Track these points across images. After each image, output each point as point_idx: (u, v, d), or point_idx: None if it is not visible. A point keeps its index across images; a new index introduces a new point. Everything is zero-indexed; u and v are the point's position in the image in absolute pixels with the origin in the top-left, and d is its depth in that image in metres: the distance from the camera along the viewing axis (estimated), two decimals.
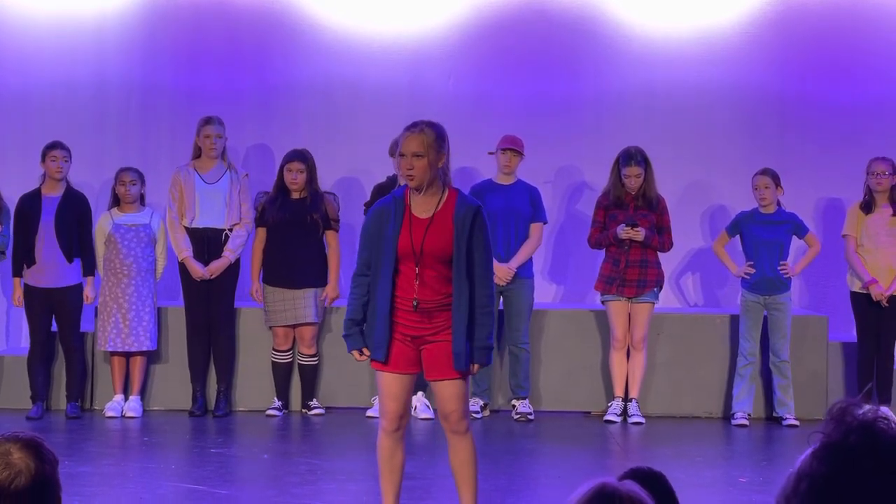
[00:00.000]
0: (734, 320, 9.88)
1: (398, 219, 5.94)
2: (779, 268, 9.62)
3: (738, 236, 9.84)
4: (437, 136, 5.94)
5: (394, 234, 5.92)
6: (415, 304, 5.90)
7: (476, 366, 6.00)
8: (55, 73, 10.61)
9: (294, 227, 9.67)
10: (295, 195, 9.72)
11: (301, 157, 9.72)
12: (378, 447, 6.16)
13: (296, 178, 9.68)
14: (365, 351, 6.02)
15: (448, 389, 6.00)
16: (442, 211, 5.95)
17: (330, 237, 9.79)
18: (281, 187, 9.74)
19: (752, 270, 9.63)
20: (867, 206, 9.64)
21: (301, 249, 9.69)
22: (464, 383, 6.02)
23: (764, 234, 9.67)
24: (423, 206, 5.96)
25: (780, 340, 9.63)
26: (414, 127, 5.97)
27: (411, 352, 5.99)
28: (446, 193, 5.97)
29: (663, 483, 3.21)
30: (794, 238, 9.78)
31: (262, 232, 9.77)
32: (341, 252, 9.87)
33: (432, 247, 5.89)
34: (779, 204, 9.72)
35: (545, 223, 9.94)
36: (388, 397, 6.03)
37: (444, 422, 6.12)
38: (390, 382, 6.01)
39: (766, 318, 9.70)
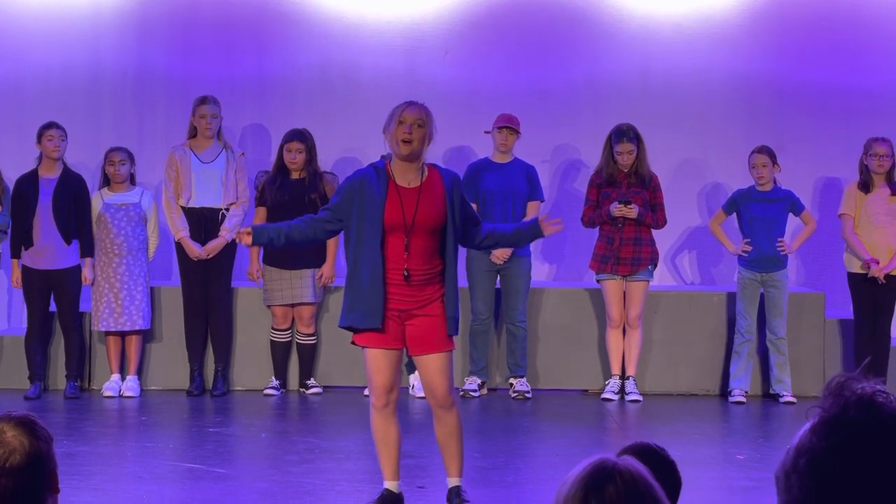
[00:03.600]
0: (731, 298, 9.88)
1: (383, 188, 6.06)
2: (776, 245, 9.62)
3: (734, 214, 9.83)
4: (432, 117, 6.21)
5: (380, 204, 6.03)
6: (405, 274, 6.02)
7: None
8: (51, 56, 10.58)
9: (293, 207, 9.65)
10: (294, 175, 9.71)
11: (300, 136, 9.70)
12: (371, 425, 6.25)
13: (295, 158, 9.66)
14: (250, 234, 6.10)
15: (434, 363, 6.11)
16: (429, 181, 6.12)
17: None
18: (280, 167, 9.73)
19: (749, 248, 9.62)
20: (865, 186, 9.62)
21: None
22: (449, 357, 6.14)
23: (761, 211, 9.66)
24: (406, 178, 6.12)
25: (776, 318, 9.63)
26: (416, 103, 6.23)
27: (398, 327, 6.08)
28: (426, 167, 6.21)
29: (663, 457, 3.20)
30: (790, 216, 9.77)
31: (261, 211, 9.75)
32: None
33: (424, 216, 6.03)
34: (775, 181, 9.71)
35: (542, 201, 9.92)
36: (375, 372, 6.13)
37: (430, 397, 6.24)
38: (376, 357, 6.10)
39: (762, 295, 9.70)
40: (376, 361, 6.10)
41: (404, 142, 6.08)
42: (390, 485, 6.31)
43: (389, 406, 6.18)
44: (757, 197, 9.69)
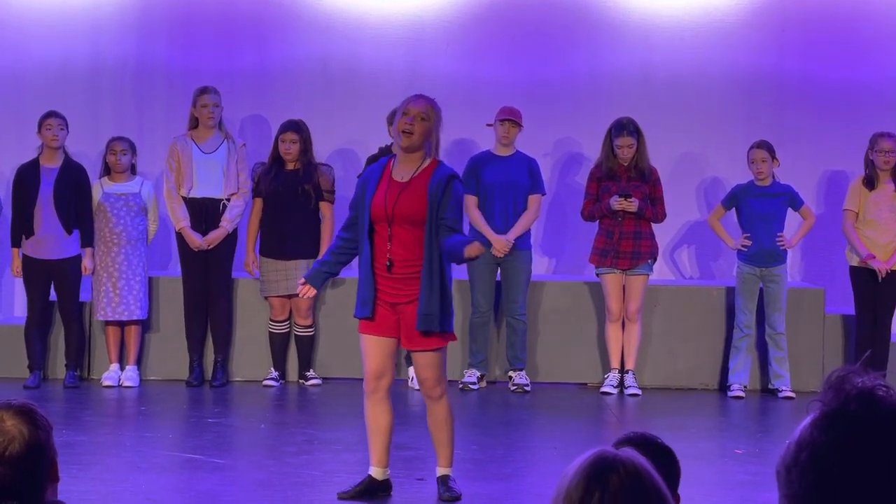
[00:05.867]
0: (730, 292, 9.88)
1: (378, 180, 6.23)
2: (776, 240, 9.62)
3: (733, 209, 9.82)
4: (439, 113, 6.28)
5: (371, 196, 6.21)
6: (388, 263, 6.14)
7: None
8: (51, 47, 10.56)
9: (287, 198, 9.65)
10: (289, 166, 9.70)
11: (295, 127, 9.69)
12: (364, 412, 6.40)
13: (289, 149, 9.65)
14: (307, 286, 6.39)
15: (421, 358, 6.28)
16: (419, 176, 6.21)
17: (323, 208, 9.76)
18: (276, 158, 9.73)
19: (749, 243, 9.62)
20: (870, 182, 9.60)
21: (294, 220, 9.67)
22: (436, 353, 6.25)
23: (760, 206, 9.65)
24: (403, 171, 6.25)
25: (775, 313, 9.63)
26: (425, 97, 6.31)
27: (391, 316, 6.24)
28: (427, 162, 6.24)
29: (660, 445, 3.21)
30: (790, 211, 9.77)
31: (258, 202, 9.75)
32: (335, 224, 9.84)
33: (402, 207, 6.14)
34: (774, 176, 9.70)
35: (543, 195, 9.92)
36: (366, 356, 6.31)
37: (420, 387, 6.52)
38: (368, 343, 6.29)
39: (761, 290, 9.70)
40: (367, 347, 6.30)
41: (404, 132, 6.18)
42: (375, 471, 6.43)
43: (379, 392, 6.33)
44: (756, 192, 9.68)
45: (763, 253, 9.61)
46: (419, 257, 6.16)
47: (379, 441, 6.39)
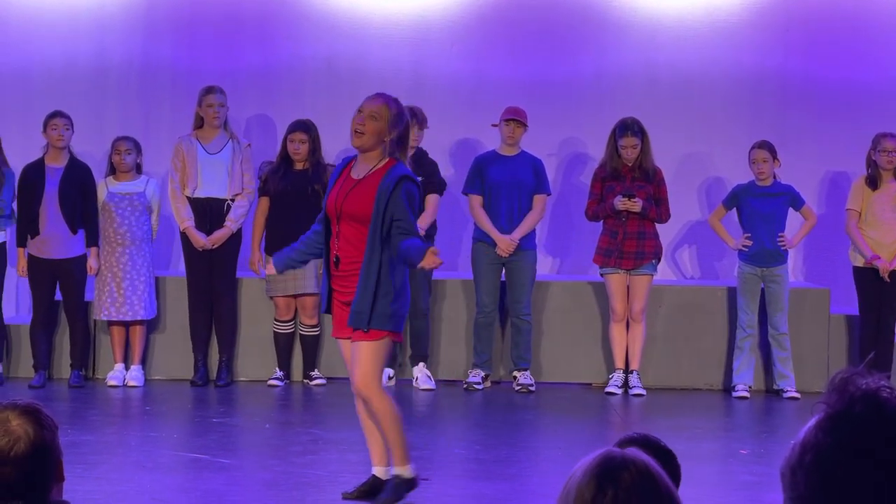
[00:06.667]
0: (733, 292, 9.87)
1: (336, 179, 6.24)
2: (777, 240, 9.61)
3: (734, 209, 9.82)
4: (397, 114, 6.12)
5: (328, 193, 6.26)
6: (335, 259, 6.14)
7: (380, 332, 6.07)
8: (56, 46, 10.57)
9: (295, 198, 9.65)
10: (298, 166, 9.70)
11: (304, 127, 9.70)
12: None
13: (298, 149, 9.65)
14: (271, 264, 6.57)
15: (352, 351, 6.16)
16: (373, 175, 6.12)
17: None
18: (284, 157, 9.73)
19: (750, 243, 9.62)
20: (873, 182, 9.59)
21: (302, 220, 9.64)
22: (366, 348, 6.07)
23: (761, 206, 9.65)
24: (360, 169, 6.20)
25: (777, 313, 9.62)
26: (383, 95, 6.21)
27: (345, 316, 6.17)
28: (384, 161, 6.14)
29: (661, 447, 3.22)
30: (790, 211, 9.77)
31: (264, 202, 9.75)
32: None
33: (349, 205, 6.10)
34: (775, 176, 9.70)
35: (549, 195, 9.92)
36: (346, 361, 6.30)
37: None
38: (341, 346, 6.30)
39: (763, 290, 9.69)
40: (342, 351, 6.34)
41: (354, 131, 6.13)
42: (377, 470, 6.38)
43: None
44: (757, 192, 9.68)
45: (764, 253, 9.61)
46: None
47: (375, 441, 6.31)
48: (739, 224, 9.82)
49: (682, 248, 10.81)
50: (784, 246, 9.63)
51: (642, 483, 1.93)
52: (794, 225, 9.90)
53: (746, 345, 9.64)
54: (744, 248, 9.65)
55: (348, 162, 6.30)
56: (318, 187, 9.62)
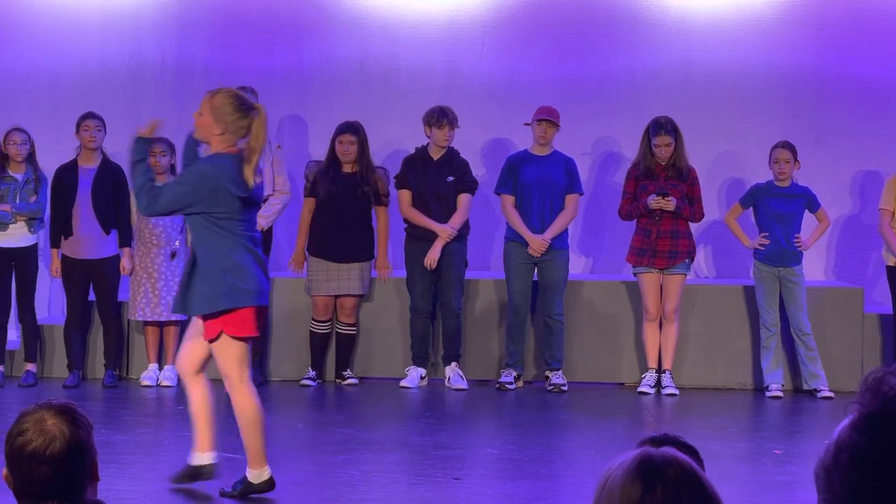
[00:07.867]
0: (749, 291, 9.83)
1: None
2: (793, 241, 9.57)
3: (750, 208, 9.79)
4: (221, 105, 6.17)
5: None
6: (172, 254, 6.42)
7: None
8: (91, 48, 10.62)
9: (346, 200, 9.62)
10: (346, 168, 9.67)
11: (353, 129, 9.66)
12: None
13: (347, 150, 9.62)
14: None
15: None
16: None
17: (379, 212, 9.75)
18: (333, 159, 9.70)
19: (767, 242, 9.59)
20: None
21: (350, 223, 9.65)
22: (214, 343, 6.30)
23: (779, 206, 9.61)
24: None
25: (798, 313, 9.57)
26: (217, 90, 6.31)
27: None
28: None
29: (686, 445, 3.21)
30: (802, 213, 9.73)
31: (310, 202, 9.73)
32: (389, 227, 9.83)
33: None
34: (793, 178, 9.67)
35: (581, 194, 9.90)
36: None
37: None
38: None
39: (780, 290, 9.65)
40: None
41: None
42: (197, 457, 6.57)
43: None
44: (775, 192, 9.64)
45: (780, 253, 9.57)
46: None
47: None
48: (755, 223, 9.78)
49: (709, 247, 10.76)
50: (799, 247, 9.59)
51: (687, 479, 1.93)
52: (808, 227, 9.85)
53: (773, 343, 9.60)
54: (760, 247, 9.62)
55: None
56: (368, 190, 9.59)
